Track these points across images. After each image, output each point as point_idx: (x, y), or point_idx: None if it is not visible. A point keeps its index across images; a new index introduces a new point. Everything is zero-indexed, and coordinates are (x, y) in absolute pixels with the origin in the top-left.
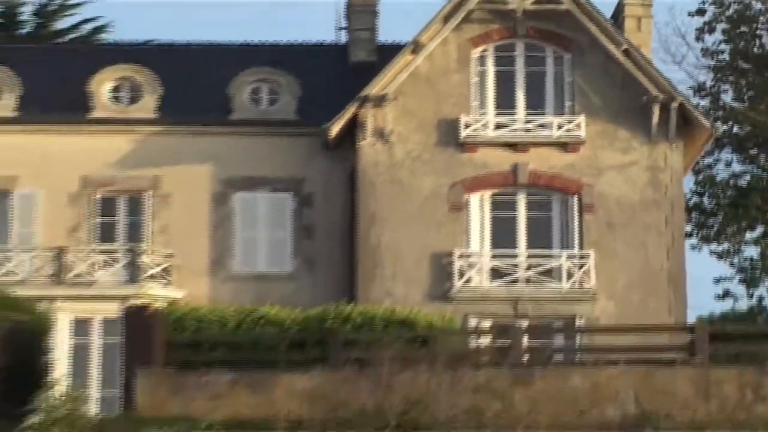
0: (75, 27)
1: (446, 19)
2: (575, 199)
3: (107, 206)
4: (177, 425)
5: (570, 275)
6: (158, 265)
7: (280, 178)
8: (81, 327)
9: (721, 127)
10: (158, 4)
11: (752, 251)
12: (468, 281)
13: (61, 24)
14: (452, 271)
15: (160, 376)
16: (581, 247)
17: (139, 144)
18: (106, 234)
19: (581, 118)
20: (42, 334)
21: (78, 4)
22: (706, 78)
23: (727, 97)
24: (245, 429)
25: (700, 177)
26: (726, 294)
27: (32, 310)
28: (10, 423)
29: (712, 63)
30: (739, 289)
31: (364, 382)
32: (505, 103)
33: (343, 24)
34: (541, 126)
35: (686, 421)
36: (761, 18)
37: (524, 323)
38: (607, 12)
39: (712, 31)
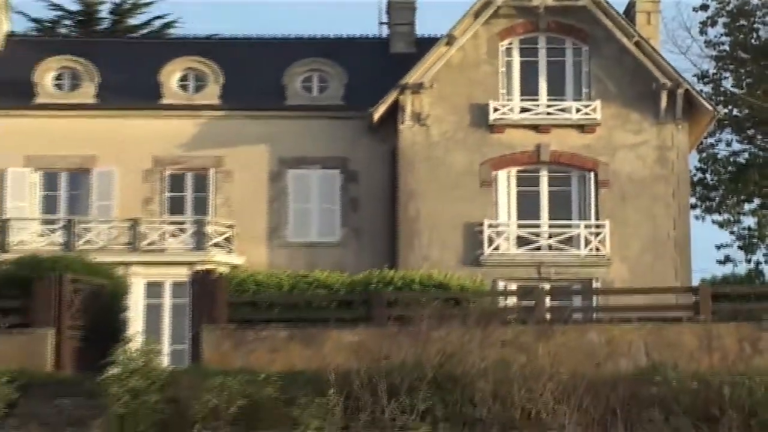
0: (147, 23)
1: (477, 14)
2: (592, 174)
3: (176, 182)
4: (239, 376)
5: (587, 242)
6: (221, 235)
7: (329, 157)
8: (154, 289)
9: (722, 110)
10: (221, 2)
11: (750, 221)
12: (496, 248)
13: (135, 20)
14: (482, 239)
15: (223, 332)
16: (597, 218)
17: (203, 127)
18: (176, 207)
19: (597, 103)
20: (119, 296)
21: (150, 3)
22: (709, 66)
23: (728, 84)
24: (299, 379)
25: (704, 155)
26: (726, 259)
27: (110, 274)
28: (93, 374)
29: (714, 53)
30: (738, 255)
31: (404, 338)
32: (529, 89)
33: (385, 19)
34: (561, 110)
35: (691, 371)
36: (758, 13)
37: (546, 285)
38: (620, 8)
39: (714, 24)
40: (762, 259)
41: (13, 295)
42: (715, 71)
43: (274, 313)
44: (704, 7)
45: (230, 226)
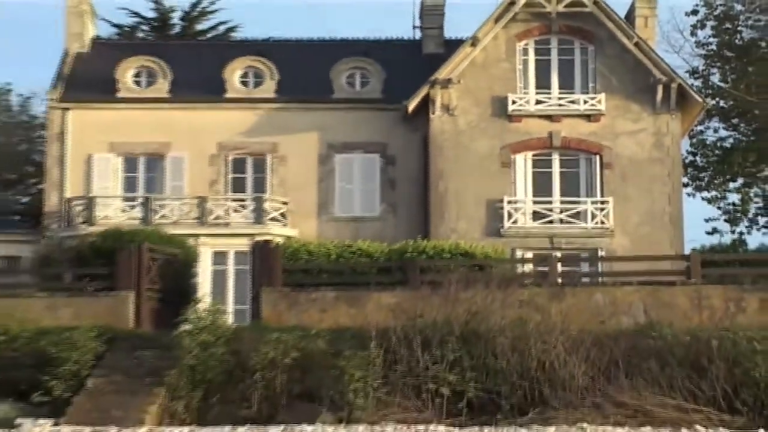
0: (212, 28)
1: (497, 19)
2: (597, 158)
3: (238, 165)
4: (293, 332)
5: (593, 216)
6: (277, 210)
7: (370, 143)
8: (219, 257)
9: (710, 102)
10: (276, 8)
11: (734, 197)
12: (515, 221)
13: (202, 25)
14: (502, 213)
15: (279, 294)
16: (602, 195)
17: (261, 117)
18: (237, 186)
19: (602, 96)
20: (190, 263)
21: (215, 10)
22: (699, 64)
23: (715, 79)
24: (344, 335)
25: (694, 140)
26: (714, 230)
27: (182, 244)
28: (168, 330)
29: (703, 52)
30: (724, 227)
31: (435, 299)
32: (543, 84)
33: (418, 24)
34: (571, 102)
35: (683, 328)
36: (741, 17)
37: (558, 254)
38: (622, 12)
39: (703, 27)
40: (744, 230)
41: (100, 263)
42: (704, 68)
43: (323, 278)
44: (695, 12)
45: (285, 203)
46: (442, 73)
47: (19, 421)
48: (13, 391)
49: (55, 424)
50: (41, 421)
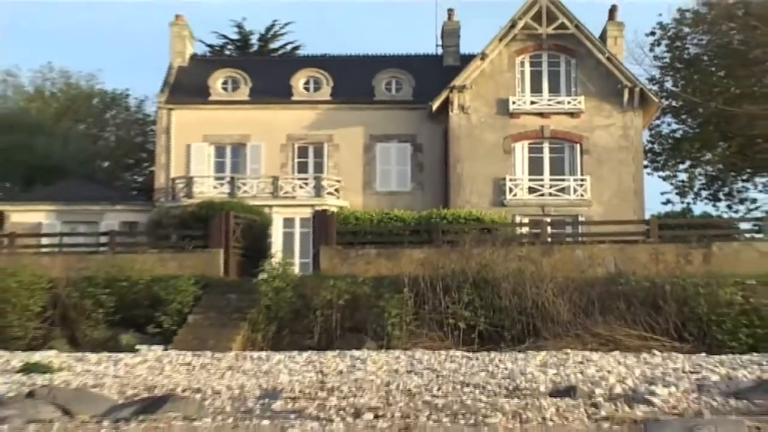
0: (282, 46)
1: (501, 39)
2: (578, 146)
3: (302, 152)
4: (345, 279)
5: (575, 191)
6: (332, 187)
7: (403, 134)
8: (288, 222)
9: (665, 103)
10: (332, 30)
11: (683, 176)
12: (515, 195)
13: (274, 45)
14: (505, 188)
15: (334, 251)
16: (582, 174)
17: (319, 115)
18: (302, 168)
19: (582, 98)
20: (266, 227)
21: (284, 33)
22: (656, 73)
23: (668, 85)
24: (384, 282)
25: (653, 132)
26: (668, 201)
27: (260, 213)
28: (249, 278)
29: (659, 64)
30: (676, 199)
31: (454, 254)
32: (536, 88)
33: (440, 43)
34: (558, 102)
35: (644, 276)
36: (688, 37)
37: (548, 219)
38: (596, 33)
39: (659, 45)
40: (691, 201)
41: (197, 227)
42: (659, 76)
43: (367, 238)
44: (653, 33)
45: (338, 181)
46: (458, 81)
47: (138, 346)
48: (133, 324)
49: (165, 349)
50: (154, 347)
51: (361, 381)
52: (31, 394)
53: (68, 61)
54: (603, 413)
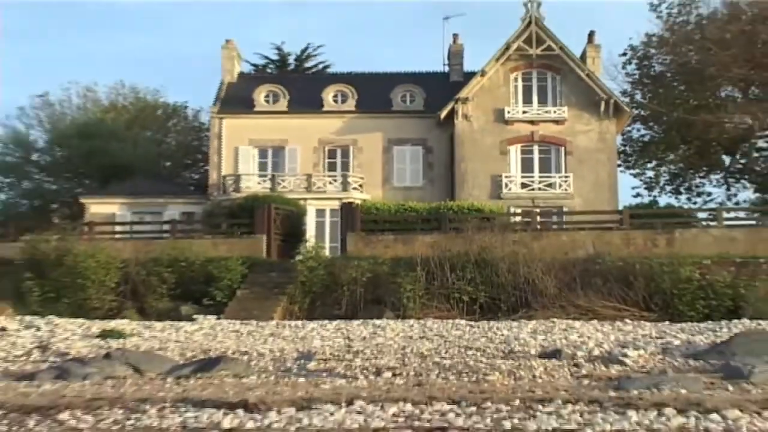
0: (315, 65)
1: (497, 59)
2: (563, 148)
3: (331, 153)
4: (367, 260)
5: (560, 186)
6: (357, 183)
7: (416, 139)
8: (320, 213)
9: (635, 112)
10: (357, 51)
11: (650, 173)
12: (510, 189)
13: (308, 64)
14: (501, 184)
15: (358, 236)
16: (566, 172)
17: (346, 123)
18: (331, 167)
19: (566, 108)
20: (301, 217)
21: (316, 54)
22: (627, 87)
23: (638, 97)
24: (400, 262)
25: (625, 136)
26: (637, 194)
27: (296, 205)
28: (287, 259)
29: (630, 80)
30: (644, 192)
31: (458, 239)
32: (527, 100)
33: (447, 62)
34: (545, 112)
35: (617, 257)
36: (654, 57)
37: (538, 210)
38: (578, 53)
39: (630, 63)
40: (657, 194)
41: (244, 216)
42: (630, 90)
43: (386, 225)
44: (625, 54)
45: (361, 178)
46: (462, 94)
47: (195, 316)
48: (191, 297)
49: (218, 319)
50: (209, 317)
51: (381, 345)
52: (107, 356)
53: (137, 78)
54: (583, 372)
